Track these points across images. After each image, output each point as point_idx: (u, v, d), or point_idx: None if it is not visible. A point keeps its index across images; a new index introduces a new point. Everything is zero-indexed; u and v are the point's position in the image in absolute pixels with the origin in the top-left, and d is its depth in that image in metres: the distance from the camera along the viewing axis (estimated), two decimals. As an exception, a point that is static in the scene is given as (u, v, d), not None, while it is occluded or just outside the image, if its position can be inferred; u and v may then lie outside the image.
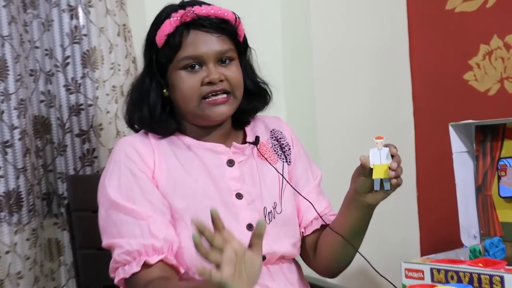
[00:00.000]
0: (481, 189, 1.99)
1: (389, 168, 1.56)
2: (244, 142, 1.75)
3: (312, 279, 1.90)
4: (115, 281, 1.61)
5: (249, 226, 1.65)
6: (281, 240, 1.69)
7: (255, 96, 1.75)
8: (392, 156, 1.58)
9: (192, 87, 1.64)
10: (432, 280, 1.69)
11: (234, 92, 1.68)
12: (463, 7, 2.70)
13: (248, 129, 1.78)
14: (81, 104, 2.31)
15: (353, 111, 2.73)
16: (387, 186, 1.58)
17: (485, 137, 1.98)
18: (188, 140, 1.69)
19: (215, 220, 1.38)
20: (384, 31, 2.80)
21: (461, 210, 1.98)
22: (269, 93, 1.78)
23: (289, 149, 1.79)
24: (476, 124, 1.99)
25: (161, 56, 1.65)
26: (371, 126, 2.76)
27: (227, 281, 1.31)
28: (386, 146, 1.59)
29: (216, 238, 1.35)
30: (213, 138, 1.70)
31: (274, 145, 1.78)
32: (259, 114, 1.81)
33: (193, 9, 1.63)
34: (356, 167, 2.69)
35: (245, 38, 1.73)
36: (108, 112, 2.33)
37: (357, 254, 1.71)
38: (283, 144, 1.79)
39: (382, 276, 1.66)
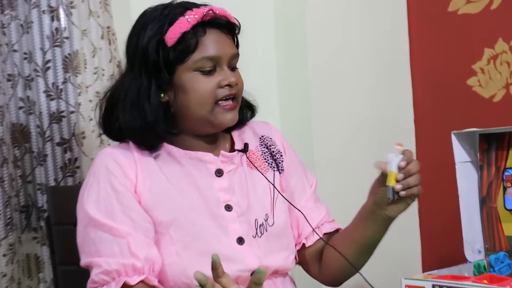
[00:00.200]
0: (486, 201, 1.99)
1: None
2: (232, 149, 1.74)
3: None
4: None
5: (239, 240, 1.64)
6: (274, 254, 1.68)
7: (244, 106, 1.75)
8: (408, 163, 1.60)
9: (210, 89, 1.62)
10: (434, 297, 1.69)
11: (239, 99, 1.68)
12: (467, 9, 2.70)
13: (235, 136, 1.76)
14: (63, 111, 2.31)
15: (350, 117, 2.73)
16: (389, 194, 1.58)
17: (490, 146, 1.98)
18: (172, 149, 1.67)
19: (216, 266, 1.39)
20: (383, 34, 2.80)
21: (465, 223, 1.98)
22: (256, 104, 1.78)
23: (281, 156, 1.78)
24: (480, 133, 1.99)
25: (171, 56, 1.61)
26: (369, 133, 2.76)
27: None
28: (402, 153, 1.61)
29: None
30: (201, 147, 1.68)
31: (264, 153, 1.77)
32: None
33: (210, 8, 1.63)
34: (353, 175, 2.71)
35: (238, 45, 1.73)
36: (91, 119, 2.33)
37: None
38: (273, 151, 1.78)
39: (381, 293, 1.66)
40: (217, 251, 1.58)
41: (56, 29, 2.30)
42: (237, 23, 1.69)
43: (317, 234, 1.76)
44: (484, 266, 1.81)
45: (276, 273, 1.71)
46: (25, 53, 2.31)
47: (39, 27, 2.31)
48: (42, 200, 2.32)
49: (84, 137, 2.32)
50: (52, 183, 2.31)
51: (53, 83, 2.30)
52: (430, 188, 2.79)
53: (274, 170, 1.76)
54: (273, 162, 1.77)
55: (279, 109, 2.73)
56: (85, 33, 2.32)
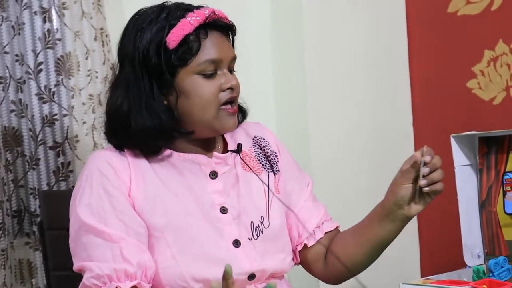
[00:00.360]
0: (485, 205, 2.00)
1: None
2: (225, 150, 1.75)
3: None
4: None
5: (236, 242, 1.65)
6: (271, 256, 1.69)
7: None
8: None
9: (213, 93, 1.63)
10: (433, 303, 1.70)
11: (237, 103, 1.69)
12: (466, 10, 2.71)
13: (227, 137, 1.77)
14: (55, 114, 2.31)
15: (348, 120, 2.74)
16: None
17: (490, 149, 1.99)
18: (166, 152, 1.68)
19: (227, 277, 1.41)
20: (381, 35, 2.81)
21: (464, 228, 1.99)
22: (246, 107, 1.79)
23: (275, 157, 1.80)
24: (480, 136, 2.00)
25: (173, 58, 1.62)
26: (368, 137, 2.77)
27: None
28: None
29: None
30: (194, 149, 1.69)
31: (258, 154, 1.78)
32: None
33: (212, 10, 1.64)
34: (350, 178, 2.72)
35: (234, 48, 1.75)
36: (84, 122, 2.34)
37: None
38: (267, 152, 1.79)
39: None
40: (213, 254, 1.61)
41: (48, 30, 2.31)
42: (234, 25, 1.70)
43: (315, 235, 1.78)
44: (484, 271, 1.82)
45: (273, 276, 1.72)
46: (16, 55, 2.32)
47: (31, 28, 2.31)
48: (34, 204, 2.32)
49: (77, 141, 2.32)
50: (44, 187, 2.31)
51: (45, 86, 2.31)
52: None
53: (268, 171, 1.77)
54: (267, 163, 1.78)
55: (276, 112, 2.74)
56: (77, 35, 2.32)
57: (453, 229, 2.05)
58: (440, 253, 2.69)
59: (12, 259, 2.26)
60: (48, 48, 2.31)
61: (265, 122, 1.88)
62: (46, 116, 2.31)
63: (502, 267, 1.83)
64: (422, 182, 1.64)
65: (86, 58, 2.34)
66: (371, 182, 2.78)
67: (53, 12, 2.31)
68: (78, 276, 1.65)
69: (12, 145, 2.30)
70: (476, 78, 2.69)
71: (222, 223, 1.66)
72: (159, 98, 1.63)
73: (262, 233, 1.70)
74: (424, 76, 2.83)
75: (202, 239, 1.63)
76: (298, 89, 2.69)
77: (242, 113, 1.77)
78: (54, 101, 2.31)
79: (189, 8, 1.65)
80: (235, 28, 1.70)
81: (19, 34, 2.30)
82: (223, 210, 1.67)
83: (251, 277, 1.66)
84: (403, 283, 1.76)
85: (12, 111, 2.31)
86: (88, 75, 2.35)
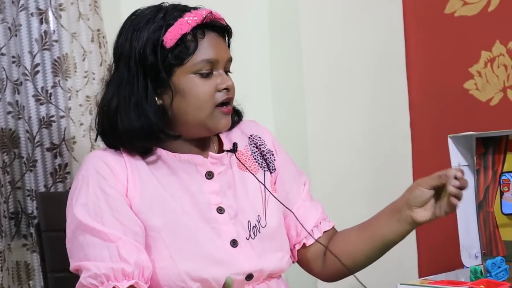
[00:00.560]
0: (483, 206, 2.01)
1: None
2: (220, 150, 1.75)
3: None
4: None
5: (233, 242, 1.66)
6: (268, 256, 1.70)
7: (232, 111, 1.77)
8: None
9: (209, 93, 1.64)
10: (431, 303, 1.71)
11: (232, 104, 1.70)
12: (463, 11, 2.72)
13: (223, 136, 1.77)
14: (52, 116, 2.32)
15: (346, 122, 2.75)
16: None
17: (487, 150, 2.00)
18: (162, 152, 1.68)
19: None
20: (379, 37, 2.82)
21: (461, 228, 1.99)
22: (241, 109, 1.80)
23: (272, 155, 1.80)
24: (477, 136, 2.00)
25: (170, 57, 1.62)
26: (366, 138, 2.78)
27: None
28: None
29: None
30: (190, 150, 1.69)
31: (254, 153, 1.78)
32: None
33: (209, 11, 1.65)
34: (348, 180, 2.73)
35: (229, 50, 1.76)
36: (81, 124, 2.34)
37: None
38: (263, 151, 1.79)
39: (377, 299, 1.69)
40: (211, 254, 1.62)
41: (45, 32, 2.31)
42: (230, 27, 1.71)
43: (313, 234, 1.79)
44: (481, 271, 1.83)
45: (271, 276, 1.72)
46: (13, 57, 2.32)
47: (28, 30, 2.32)
48: (32, 206, 2.32)
49: (74, 142, 2.32)
50: (42, 189, 2.31)
51: (42, 87, 2.31)
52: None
53: (264, 170, 1.77)
54: (263, 162, 1.79)
55: (273, 112, 2.75)
56: (74, 36, 2.33)
57: (450, 229, 2.06)
58: (438, 254, 2.70)
59: (9, 261, 2.26)
60: (45, 49, 2.31)
61: (263, 123, 1.88)
62: (43, 117, 2.31)
63: (499, 267, 1.84)
64: (450, 187, 1.65)
65: (83, 60, 2.34)
66: (368, 182, 2.79)
67: (50, 13, 2.31)
68: (76, 278, 1.65)
69: (9, 146, 2.30)
70: (473, 79, 2.70)
71: (219, 223, 1.67)
72: (152, 98, 1.63)
73: (260, 232, 1.70)
74: (422, 77, 2.83)
75: (199, 239, 1.63)
76: (295, 90, 2.70)
77: (237, 115, 1.78)
78: (51, 103, 2.31)
79: (187, 9, 1.66)
80: (231, 30, 1.71)
81: (16, 35, 2.30)
82: (220, 210, 1.68)
83: (249, 277, 1.66)
84: (400, 284, 1.77)
85: (9, 112, 2.31)
86: (85, 77, 2.35)
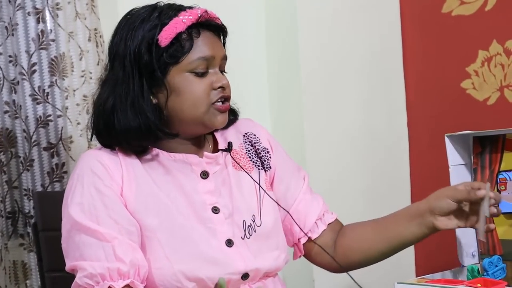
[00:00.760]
0: (480, 205, 2.01)
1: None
2: (215, 149, 1.75)
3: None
4: None
5: (228, 242, 1.66)
6: (264, 255, 1.70)
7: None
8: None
9: (204, 91, 1.64)
10: (428, 302, 1.71)
11: (229, 102, 1.70)
12: (460, 11, 2.72)
13: (218, 135, 1.77)
14: (49, 115, 2.32)
15: (343, 121, 2.75)
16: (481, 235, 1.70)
17: (484, 149, 2.00)
18: (157, 152, 1.68)
19: None
20: (376, 36, 2.82)
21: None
22: (237, 109, 1.80)
23: (267, 153, 1.80)
24: (474, 135, 2.01)
25: (165, 56, 1.62)
26: (363, 138, 2.78)
27: None
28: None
29: None
30: (185, 149, 1.69)
31: (249, 151, 1.79)
32: None
33: (204, 10, 1.66)
34: (345, 179, 2.73)
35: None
36: (78, 123, 2.34)
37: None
38: (258, 149, 1.80)
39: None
40: (206, 254, 1.61)
41: (42, 31, 2.31)
42: (225, 26, 1.72)
43: (318, 228, 1.81)
44: (478, 270, 1.83)
45: (267, 275, 1.72)
46: (10, 56, 2.32)
47: (24, 29, 2.32)
48: (29, 206, 2.32)
49: (71, 142, 2.32)
50: (39, 188, 2.31)
51: (39, 87, 2.31)
52: (424, 192, 2.81)
53: (259, 169, 1.78)
54: (258, 160, 1.79)
55: (270, 112, 2.75)
56: (71, 36, 2.33)
57: (447, 228, 2.06)
58: (435, 252, 2.70)
59: (6, 260, 2.27)
60: (42, 49, 2.31)
61: (260, 122, 1.88)
62: (40, 117, 2.31)
63: (496, 266, 1.84)
64: (492, 210, 1.66)
65: (80, 59, 2.34)
66: (365, 182, 2.79)
67: (47, 12, 2.31)
68: (73, 277, 1.65)
69: (6, 146, 2.31)
70: (470, 78, 2.70)
71: (214, 223, 1.67)
72: (148, 97, 1.63)
73: (255, 231, 1.70)
74: (419, 76, 2.83)
75: (195, 239, 1.63)
76: (292, 89, 2.70)
77: (233, 114, 1.78)
78: (48, 102, 2.31)
79: (182, 8, 1.66)
80: (226, 29, 1.72)
81: (13, 35, 2.30)
82: (215, 210, 1.68)
83: (245, 276, 1.66)
84: (398, 283, 1.77)
85: (6, 112, 2.31)
86: (82, 76, 2.35)
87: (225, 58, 1.70)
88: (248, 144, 1.80)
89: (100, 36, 2.40)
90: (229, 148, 1.74)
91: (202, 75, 1.65)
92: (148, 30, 1.63)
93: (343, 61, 2.74)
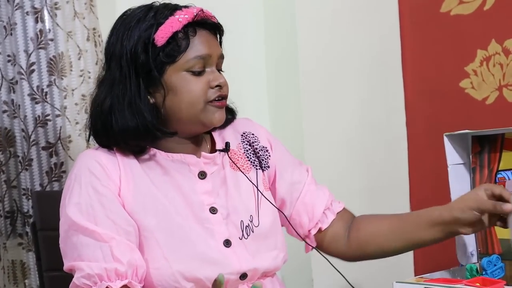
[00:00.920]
0: (479, 204, 2.01)
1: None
2: (213, 149, 1.75)
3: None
4: None
5: (226, 242, 1.66)
6: (262, 255, 1.70)
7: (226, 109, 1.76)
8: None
9: (201, 89, 1.64)
10: (426, 301, 1.71)
11: (226, 100, 1.70)
12: (459, 10, 2.72)
13: (215, 135, 1.77)
14: (48, 115, 2.32)
15: (341, 120, 2.75)
16: None
17: (483, 148, 2.00)
18: (155, 152, 1.68)
19: (218, 286, 1.44)
20: (374, 36, 2.82)
21: (457, 227, 2.00)
22: (235, 108, 1.81)
23: (266, 152, 1.80)
24: (472, 135, 2.01)
25: (161, 55, 1.62)
26: (361, 137, 2.78)
27: None
28: None
29: None
30: (183, 149, 1.69)
31: (247, 151, 1.78)
32: None
33: (200, 9, 1.66)
34: (344, 179, 2.73)
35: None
36: (77, 123, 2.34)
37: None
38: (257, 148, 1.79)
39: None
40: (204, 254, 1.61)
41: (41, 30, 2.31)
42: (221, 25, 1.71)
43: (327, 218, 1.82)
44: (477, 269, 1.83)
45: (265, 274, 1.72)
46: (8, 56, 2.32)
47: (23, 28, 2.32)
48: (27, 205, 2.32)
49: (70, 141, 2.32)
50: (37, 188, 2.31)
51: (38, 86, 2.31)
52: (422, 191, 2.83)
53: (257, 169, 1.77)
54: (256, 160, 1.79)
55: (269, 111, 2.75)
56: (70, 35, 2.33)
57: (446, 227, 2.06)
58: (434, 252, 2.69)
59: (5, 260, 2.27)
60: (40, 48, 2.31)
61: (259, 122, 1.88)
62: (39, 116, 2.31)
63: (495, 265, 1.84)
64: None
65: (79, 59, 2.35)
66: (364, 181, 2.80)
67: (45, 12, 2.31)
68: (71, 277, 1.65)
69: (5, 145, 2.31)
70: (469, 77, 2.70)
71: (212, 223, 1.67)
72: (145, 97, 1.63)
73: (253, 232, 1.70)
74: (417, 76, 2.84)
75: (192, 240, 1.63)
76: (291, 89, 2.70)
77: (231, 113, 1.78)
78: (47, 102, 2.31)
79: (177, 7, 1.66)
80: (223, 28, 1.71)
81: (11, 34, 2.30)
82: (213, 210, 1.68)
83: (243, 276, 1.66)
84: (396, 282, 1.77)
85: (5, 111, 2.31)
86: (81, 76, 2.35)
87: (222, 56, 1.70)
88: (246, 144, 1.79)
89: (99, 36, 2.40)
90: (226, 148, 1.74)
91: (199, 74, 1.65)
92: (144, 30, 1.63)
93: (342, 60, 2.74)
